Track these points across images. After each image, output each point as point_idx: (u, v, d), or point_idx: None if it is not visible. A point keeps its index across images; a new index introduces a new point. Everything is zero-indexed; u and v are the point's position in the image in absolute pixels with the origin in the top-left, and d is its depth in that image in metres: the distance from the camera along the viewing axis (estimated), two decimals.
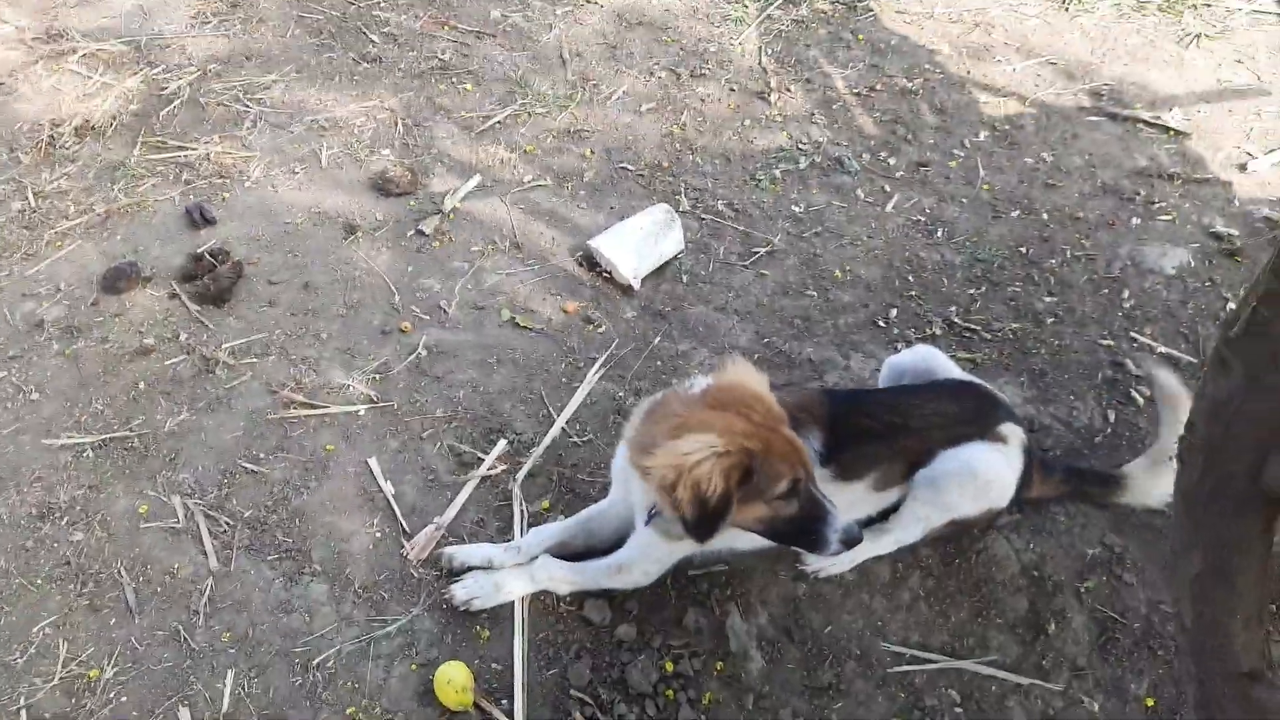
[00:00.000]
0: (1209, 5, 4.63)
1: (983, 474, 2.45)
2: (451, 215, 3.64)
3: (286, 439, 2.87)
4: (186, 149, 3.87)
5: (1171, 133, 3.96)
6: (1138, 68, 4.31)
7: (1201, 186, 3.74)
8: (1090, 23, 4.57)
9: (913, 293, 3.38)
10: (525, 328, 3.25)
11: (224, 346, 3.12)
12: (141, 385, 3.00)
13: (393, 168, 3.79)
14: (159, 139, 3.91)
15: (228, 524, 2.66)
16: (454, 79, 4.29)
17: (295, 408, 2.96)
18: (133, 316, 3.21)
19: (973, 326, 3.24)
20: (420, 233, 3.56)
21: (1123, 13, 4.61)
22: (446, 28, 4.59)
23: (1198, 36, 4.46)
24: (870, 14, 4.66)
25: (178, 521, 2.66)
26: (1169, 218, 3.62)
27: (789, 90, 4.24)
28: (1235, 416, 1.75)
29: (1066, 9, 4.64)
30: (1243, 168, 3.81)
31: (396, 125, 4.03)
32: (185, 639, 2.42)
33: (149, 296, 3.28)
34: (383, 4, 4.71)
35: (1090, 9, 4.64)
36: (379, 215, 3.63)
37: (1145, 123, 4.01)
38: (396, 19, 4.62)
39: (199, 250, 3.40)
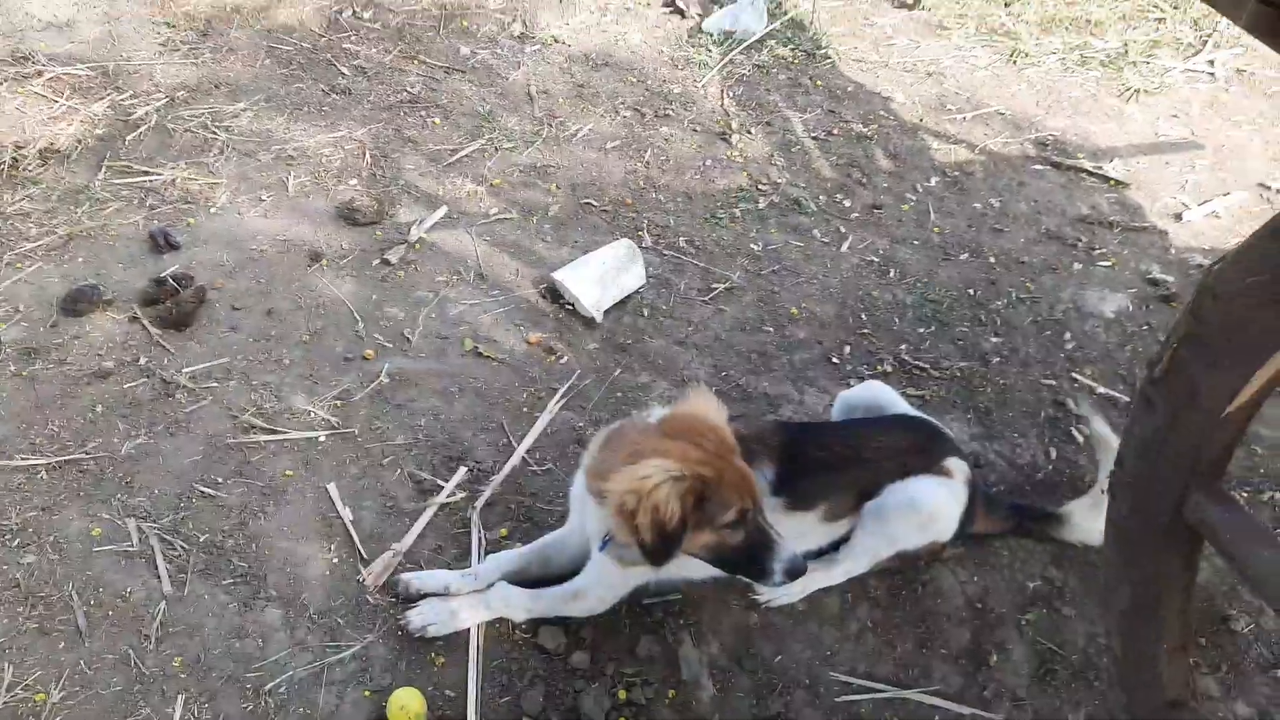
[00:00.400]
0: (1147, 62, 4.88)
1: (927, 507, 2.54)
2: (417, 245, 3.69)
3: (245, 464, 2.88)
4: (152, 174, 3.88)
5: (1112, 182, 4.16)
6: (1080, 120, 4.52)
7: (1139, 235, 3.92)
8: (1036, 76, 4.79)
9: (865, 330, 3.49)
10: (488, 357, 3.30)
11: (184, 371, 3.12)
12: (99, 408, 2.99)
13: (359, 197, 3.84)
14: (124, 164, 3.92)
15: (183, 548, 2.65)
16: (423, 112, 4.37)
17: (255, 433, 2.96)
18: (92, 339, 3.20)
19: (922, 364, 3.35)
20: (386, 262, 3.60)
21: (1067, 67, 4.84)
22: (416, 62, 4.67)
23: (1137, 92, 4.69)
24: (828, 61, 4.83)
25: (132, 545, 2.64)
26: (1109, 264, 3.79)
27: (749, 132, 4.37)
28: (1160, 453, 1.85)
29: (1014, 62, 4.85)
30: (1178, 217, 4.00)
31: (364, 156, 4.09)
32: (136, 663, 2.40)
33: (109, 320, 3.28)
34: (353, 37, 4.79)
35: (1037, 63, 4.86)
36: (345, 244, 3.67)
37: (1087, 172, 4.21)
38: (366, 52, 4.69)
39: (162, 275, 3.41)
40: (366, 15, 4.94)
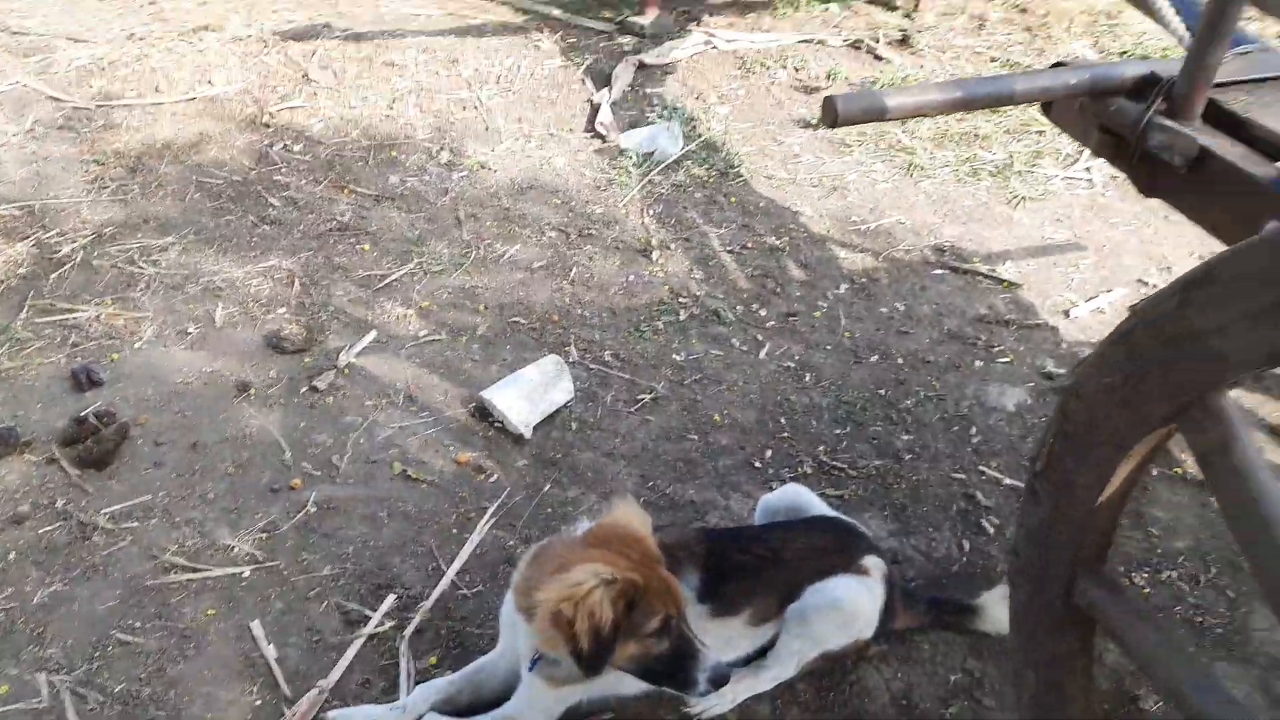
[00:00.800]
0: (1031, 171, 5.29)
1: (847, 606, 2.61)
2: (346, 371, 3.75)
3: (165, 606, 2.82)
4: (76, 311, 3.89)
5: (1005, 284, 4.45)
6: (974, 226, 4.86)
7: (1033, 331, 4.19)
8: (932, 187, 5.15)
9: (785, 434, 3.62)
10: (417, 480, 3.32)
11: (103, 512, 3.07)
12: (12, 555, 2.91)
13: (288, 325, 3.90)
14: (47, 302, 3.93)
15: (97, 700, 2.56)
16: (352, 239, 4.49)
17: (176, 572, 2.92)
18: (7, 484, 3.15)
19: (840, 465, 3.48)
20: (314, 389, 3.64)
21: (960, 179, 5.23)
22: (346, 192, 4.83)
23: (1023, 199, 5.08)
24: (741, 179, 5.14)
25: (41, 701, 2.54)
26: (1007, 360, 4.02)
27: (669, 248, 4.59)
28: (1047, 542, 1.98)
29: (911, 175, 5.22)
30: (1067, 314, 4.29)
31: (294, 284, 4.17)
32: None
33: (26, 463, 3.23)
34: (283, 169, 4.94)
35: (932, 175, 5.24)
36: (273, 373, 3.71)
37: (983, 275, 4.50)
38: (297, 183, 4.84)
39: (83, 413, 3.39)
40: (297, 148, 5.12)
